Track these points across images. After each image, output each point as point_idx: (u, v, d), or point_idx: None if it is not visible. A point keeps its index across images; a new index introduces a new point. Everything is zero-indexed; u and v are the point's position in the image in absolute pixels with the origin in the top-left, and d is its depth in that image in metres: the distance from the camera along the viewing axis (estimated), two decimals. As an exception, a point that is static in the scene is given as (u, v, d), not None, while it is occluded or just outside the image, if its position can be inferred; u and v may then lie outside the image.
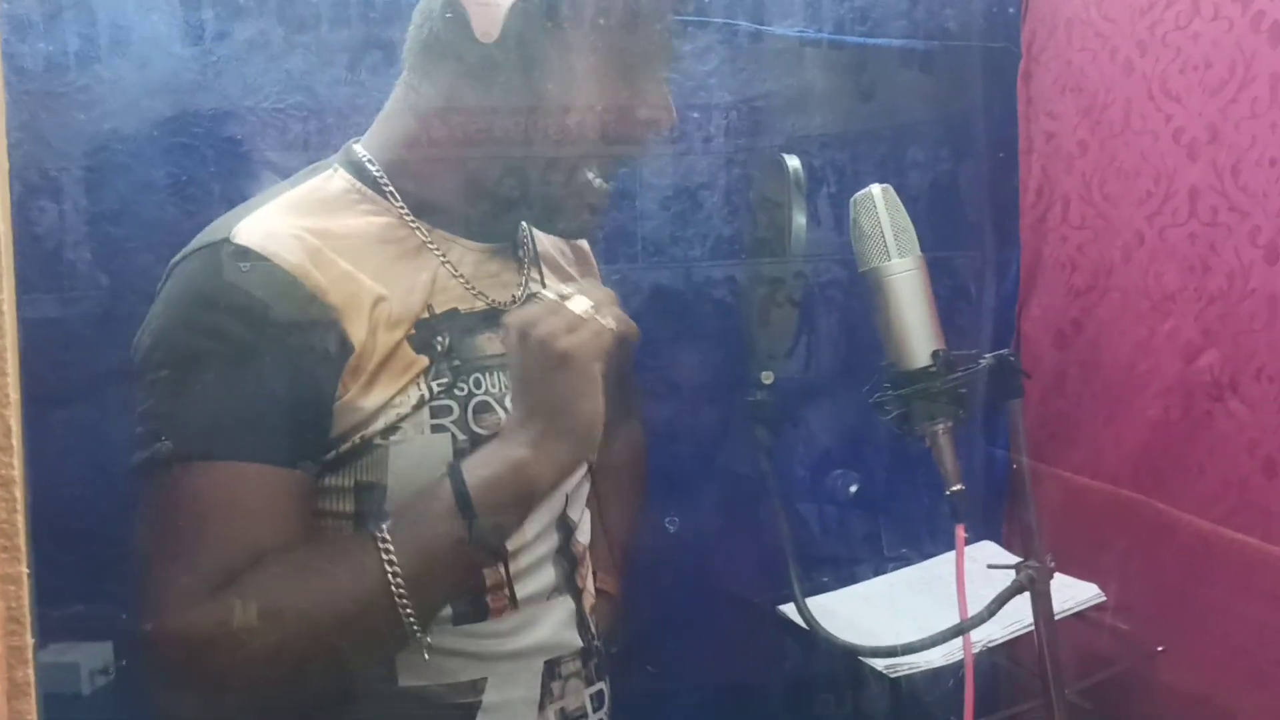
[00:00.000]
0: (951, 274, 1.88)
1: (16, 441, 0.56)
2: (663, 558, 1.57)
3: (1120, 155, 1.55)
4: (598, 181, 1.05)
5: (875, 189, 1.03)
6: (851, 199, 1.05)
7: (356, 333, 0.96)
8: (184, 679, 0.92)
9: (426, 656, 0.98)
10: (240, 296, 0.93)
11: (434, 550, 0.94)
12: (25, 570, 0.56)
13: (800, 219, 1.03)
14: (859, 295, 1.11)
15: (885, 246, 1.02)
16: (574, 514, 1.16)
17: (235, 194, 1.46)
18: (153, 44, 1.45)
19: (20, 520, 0.56)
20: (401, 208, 1.05)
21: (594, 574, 1.23)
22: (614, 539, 1.28)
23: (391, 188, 1.05)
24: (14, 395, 0.57)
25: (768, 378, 1.07)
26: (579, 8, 0.99)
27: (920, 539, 1.71)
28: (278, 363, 0.94)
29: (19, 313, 0.58)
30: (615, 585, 1.31)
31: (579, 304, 0.95)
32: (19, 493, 0.56)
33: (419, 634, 0.95)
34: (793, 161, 1.04)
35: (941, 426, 1.02)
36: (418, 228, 1.05)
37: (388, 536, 0.92)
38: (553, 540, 1.13)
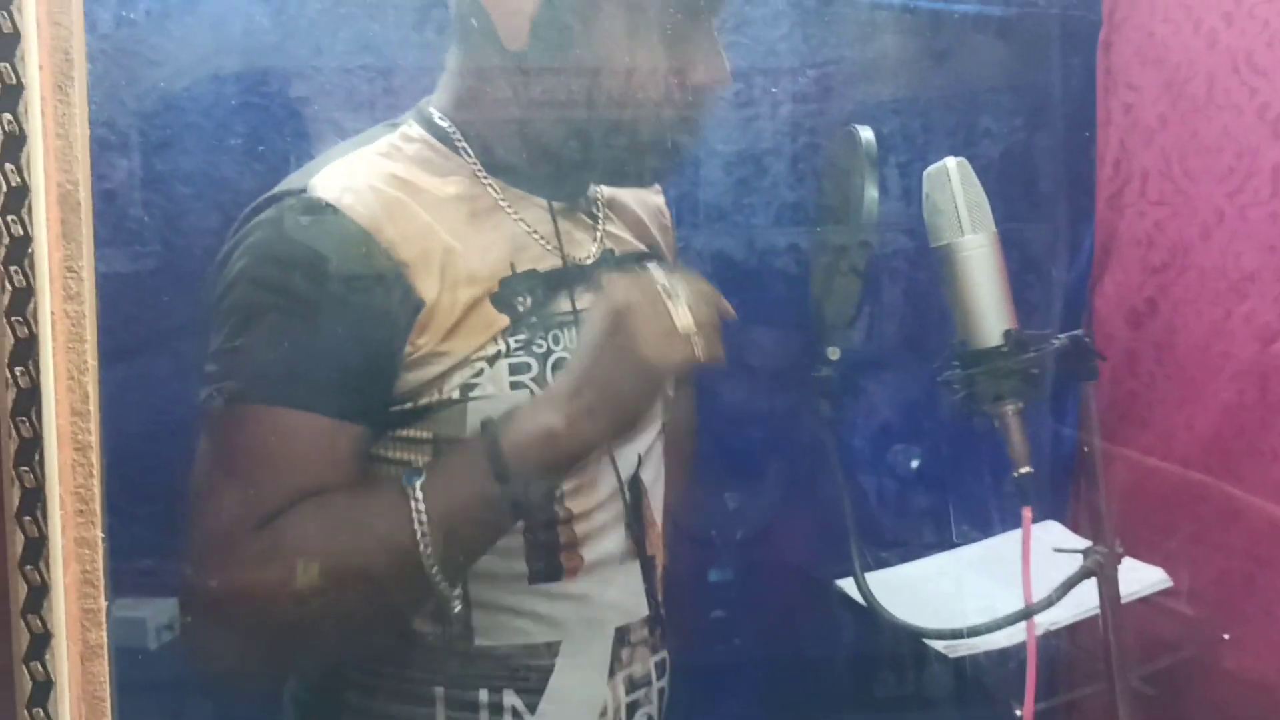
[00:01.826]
0: (1023, 247, 1.84)
1: (94, 408, 0.57)
2: (723, 529, 1.56)
3: (1202, 131, 1.50)
4: (669, 136, 1.04)
5: (950, 162, 1.01)
6: (925, 172, 1.03)
7: (428, 288, 0.97)
8: (216, 611, 0.95)
9: (456, 608, 0.98)
10: (309, 251, 0.95)
11: (463, 507, 0.95)
12: (100, 535, 0.57)
13: (872, 192, 1.01)
14: (926, 266, 1.09)
15: (959, 222, 1.00)
16: (646, 477, 1.15)
17: (304, 154, 1.46)
18: (224, 2, 1.45)
19: (97, 486, 0.56)
20: (475, 164, 1.05)
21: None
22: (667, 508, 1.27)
23: (465, 144, 1.05)
24: (92, 361, 0.57)
25: (834, 353, 1.06)
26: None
27: (985, 516, 1.68)
28: (343, 317, 0.95)
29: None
30: (664, 555, 1.30)
31: (682, 316, 0.94)
32: (96, 459, 0.57)
33: (442, 586, 0.94)
34: (865, 133, 1.02)
35: (1011, 408, 1.00)
36: (490, 184, 1.05)
37: (419, 492, 0.92)
38: (623, 504, 1.12)
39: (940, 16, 1.77)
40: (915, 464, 1.75)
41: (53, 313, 0.54)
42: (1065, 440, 1.74)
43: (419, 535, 0.91)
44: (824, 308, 1.10)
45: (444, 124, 1.05)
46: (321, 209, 0.95)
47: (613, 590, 1.10)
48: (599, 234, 1.14)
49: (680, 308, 0.93)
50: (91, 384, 0.56)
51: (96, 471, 0.56)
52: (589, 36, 0.99)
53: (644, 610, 1.14)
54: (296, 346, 0.94)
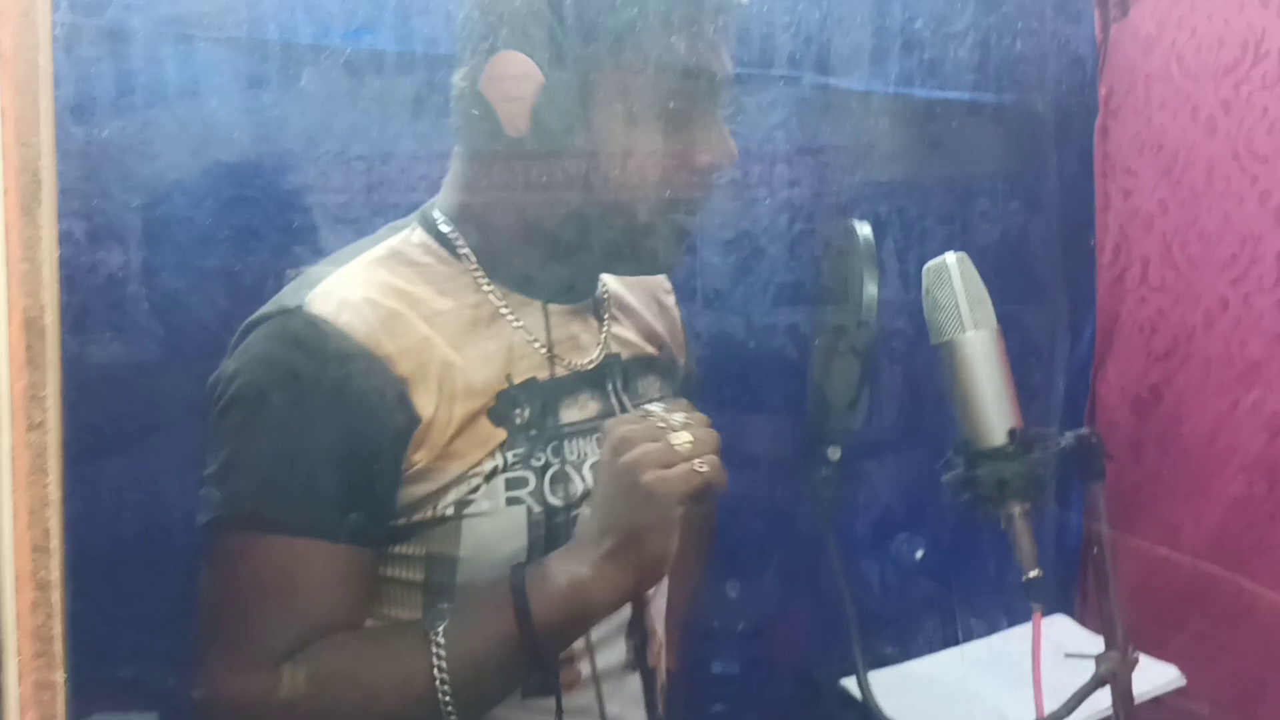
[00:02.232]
0: (1023, 332, 1.82)
1: (57, 543, 0.54)
2: (724, 624, 1.52)
3: (1202, 217, 1.49)
4: (675, 219, 1.02)
5: (950, 258, 0.99)
6: (925, 267, 1.01)
7: (425, 404, 0.94)
8: None
9: None
10: (307, 369, 0.92)
11: (485, 656, 0.92)
12: (62, 677, 0.53)
13: (872, 288, 0.99)
14: (925, 350, 1.06)
15: (960, 319, 0.97)
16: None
17: (295, 246, 1.44)
18: (215, 95, 1.44)
19: (58, 626, 0.53)
20: (476, 270, 1.02)
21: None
22: (676, 614, 1.24)
23: (467, 249, 1.03)
24: (55, 494, 0.54)
25: (834, 453, 1.03)
26: (608, 81, 0.95)
27: (991, 610, 1.64)
28: (343, 436, 0.92)
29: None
30: (675, 662, 1.26)
31: (680, 439, 0.91)
32: (58, 597, 0.53)
33: None
34: (863, 229, 1.00)
35: (1018, 509, 0.97)
36: (492, 291, 1.02)
37: (441, 639, 0.90)
38: (625, 613, 1.08)
39: (934, 104, 1.77)
40: (919, 554, 1.71)
41: (14, 444, 0.51)
42: (1071, 528, 1.70)
43: (438, 683, 0.89)
44: (824, 393, 1.08)
45: (446, 229, 1.03)
46: (318, 326, 0.93)
47: (612, 704, 1.06)
48: (604, 336, 1.11)
49: (680, 435, 0.91)
50: (55, 518, 0.53)
51: (58, 611, 0.53)
52: (591, 121, 0.96)
53: None
54: (297, 468, 0.92)
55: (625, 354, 1.13)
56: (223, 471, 0.93)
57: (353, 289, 0.96)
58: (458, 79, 1.00)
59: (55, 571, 0.53)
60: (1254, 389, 1.41)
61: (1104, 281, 1.70)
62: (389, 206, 1.49)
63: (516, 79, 0.94)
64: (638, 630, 1.10)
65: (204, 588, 0.94)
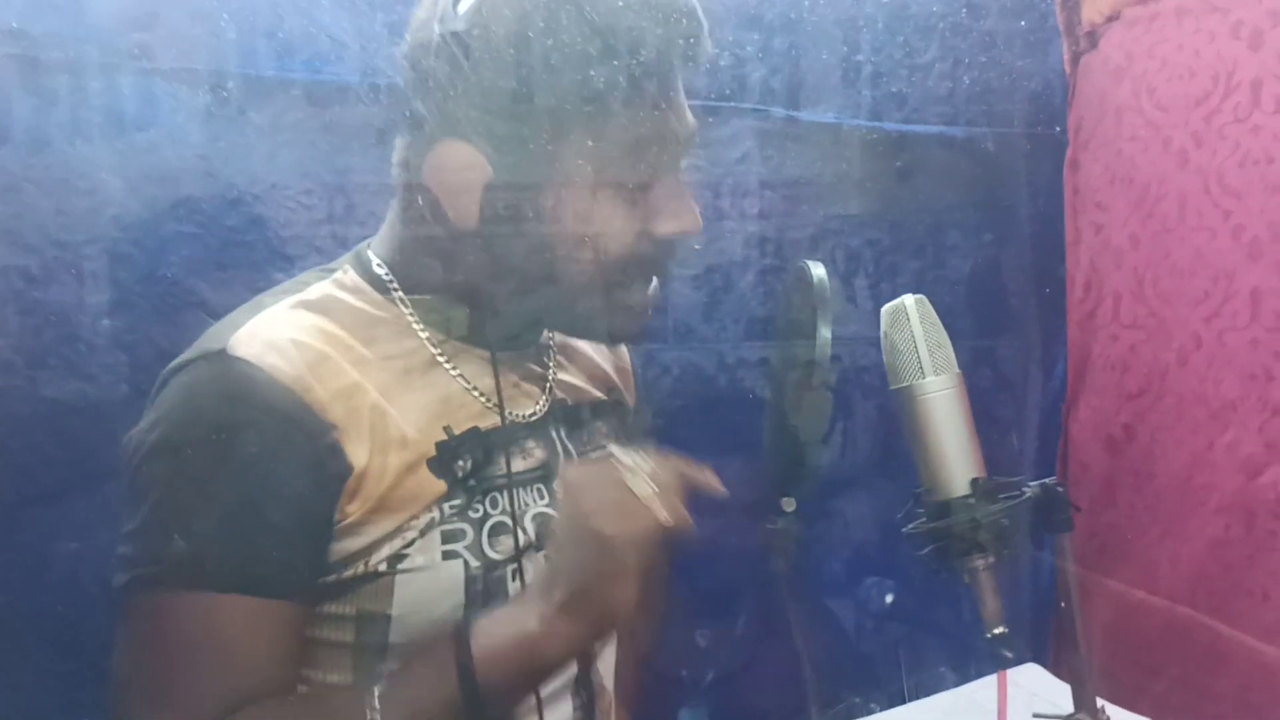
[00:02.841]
0: (994, 366, 1.79)
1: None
2: (682, 678, 1.47)
3: (1175, 252, 1.45)
4: (637, 290, 0.97)
5: (909, 300, 0.95)
6: (882, 310, 0.97)
7: (358, 453, 0.89)
8: None
9: None
10: (230, 416, 0.86)
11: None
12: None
13: (825, 332, 0.94)
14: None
15: (919, 364, 0.93)
16: (596, 647, 1.06)
17: (239, 284, 1.40)
18: (157, 130, 1.39)
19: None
20: (412, 315, 0.97)
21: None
22: (630, 668, 1.19)
23: (401, 293, 0.98)
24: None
25: (789, 504, 0.98)
26: (563, 160, 0.90)
27: (961, 659, 1.59)
28: (272, 487, 0.87)
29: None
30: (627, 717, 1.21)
31: (640, 486, 0.86)
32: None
33: None
34: (818, 270, 0.95)
35: (981, 563, 0.93)
36: (427, 338, 0.97)
37: (377, 705, 0.83)
38: (571, 670, 1.03)
39: (904, 136, 1.74)
40: (887, 601, 1.67)
41: None
42: (1043, 569, 1.65)
43: None
44: (780, 437, 1.03)
45: (380, 271, 0.98)
46: (243, 369, 0.87)
47: None
48: (549, 384, 1.07)
49: (639, 477, 0.86)
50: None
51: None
52: (544, 203, 0.91)
53: None
54: (221, 523, 0.86)
55: (571, 400, 1.09)
56: (143, 527, 0.86)
57: (279, 330, 0.90)
58: (400, 148, 0.96)
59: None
60: (1229, 429, 1.37)
61: (1075, 317, 1.66)
62: (342, 240, 1.46)
63: (461, 170, 0.89)
64: (584, 687, 1.05)
65: (121, 653, 0.87)
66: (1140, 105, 1.51)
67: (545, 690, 0.98)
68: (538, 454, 1.01)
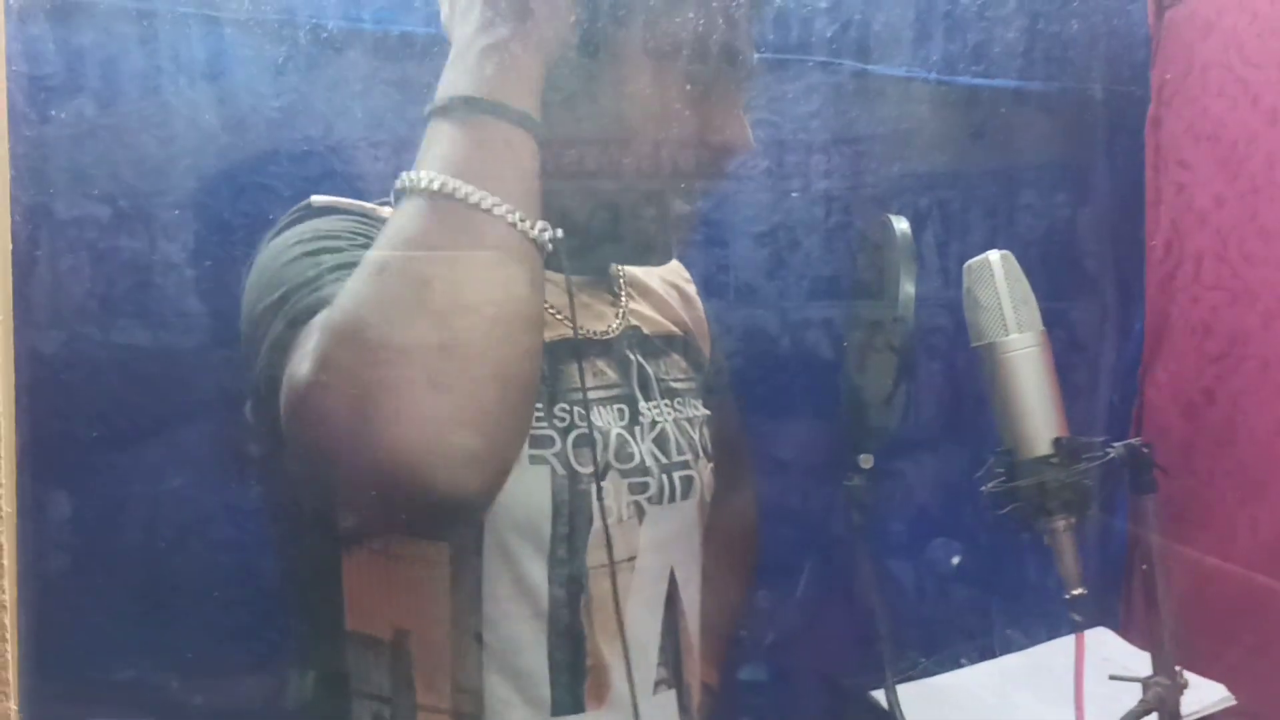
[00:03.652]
0: (1069, 328, 1.76)
1: (9, 561, 0.48)
2: (754, 637, 1.47)
3: (1262, 213, 1.41)
4: (678, 205, 0.96)
5: (994, 256, 0.93)
6: (965, 265, 0.95)
7: None
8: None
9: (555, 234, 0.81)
10: (342, 225, 0.89)
11: (476, 155, 0.77)
12: (14, 709, 0.48)
13: (909, 288, 0.93)
14: (965, 345, 1.00)
15: (1004, 321, 0.91)
16: (685, 599, 1.05)
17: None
18: (228, 80, 1.40)
19: (11, 652, 0.48)
20: None
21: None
22: (716, 626, 1.18)
23: None
24: (8, 508, 0.49)
25: (867, 461, 0.97)
26: (623, 62, 0.89)
27: (1032, 621, 1.58)
28: None
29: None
30: (716, 676, 1.21)
31: None
32: (10, 620, 0.48)
33: (524, 224, 0.77)
34: (901, 224, 0.94)
35: (1063, 523, 0.91)
36: None
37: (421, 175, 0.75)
38: (658, 622, 1.02)
39: (979, 91, 1.70)
40: (956, 562, 1.65)
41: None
42: (1115, 536, 1.63)
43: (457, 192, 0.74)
44: (858, 395, 1.02)
45: None
46: (333, 208, 0.91)
47: None
48: (621, 310, 1.06)
49: None
50: (8, 534, 0.48)
51: (10, 635, 0.48)
52: (599, 104, 0.90)
53: None
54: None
55: (646, 329, 1.07)
56: (320, 276, 0.82)
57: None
58: None
59: (8, 594, 0.48)
60: (1314, 394, 1.34)
61: (1154, 279, 1.63)
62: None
63: None
64: (671, 645, 1.04)
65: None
66: (1229, 61, 1.46)
67: (633, 648, 0.98)
68: (610, 374, 1.00)
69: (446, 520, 0.88)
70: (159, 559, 1.36)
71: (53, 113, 1.35)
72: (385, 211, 0.91)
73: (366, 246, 0.82)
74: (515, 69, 0.80)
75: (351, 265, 0.78)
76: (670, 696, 1.02)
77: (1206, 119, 1.50)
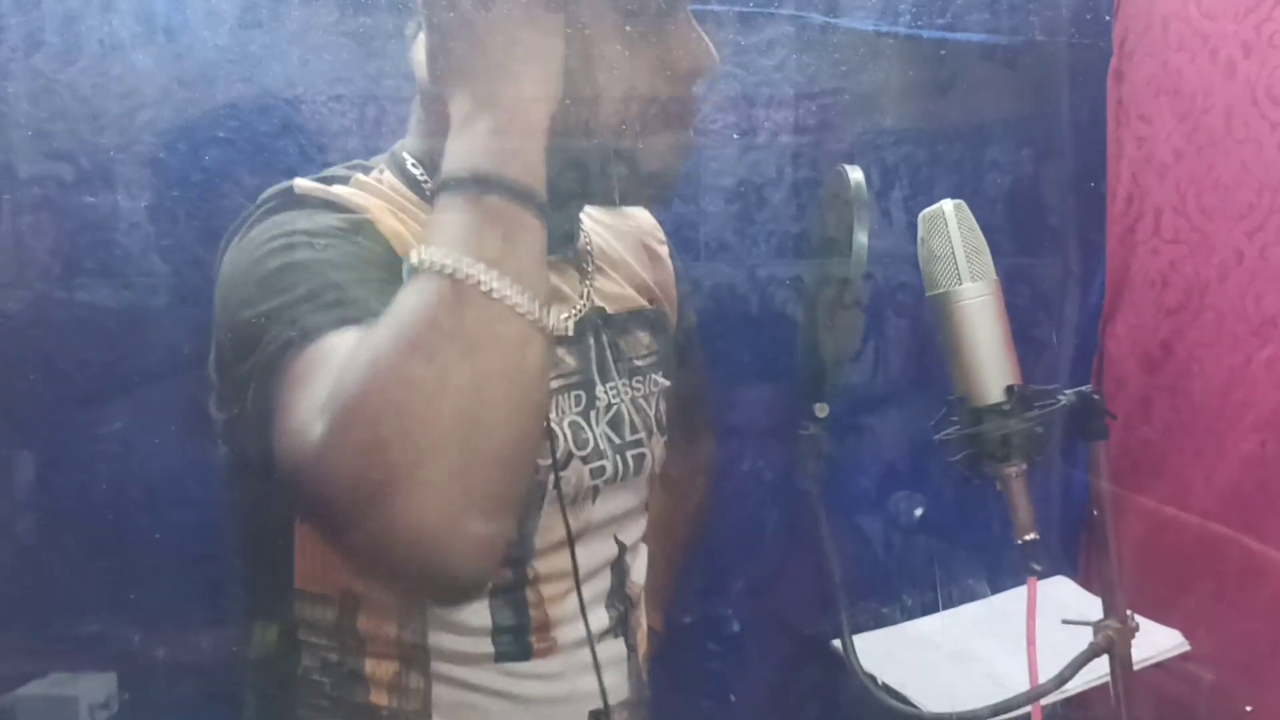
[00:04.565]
0: (1031, 283, 1.77)
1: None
2: (715, 587, 1.48)
3: (1219, 165, 1.42)
4: (664, 142, 0.95)
5: (947, 205, 0.93)
6: (920, 215, 0.95)
7: None
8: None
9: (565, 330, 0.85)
10: (324, 221, 0.88)
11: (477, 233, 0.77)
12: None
13: (861, 237, 0.93)
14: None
15: (957, 270, 0.92)
16: (629, 560, 1.07)
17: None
18: (189, 34, 1.39)
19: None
20: None
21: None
22: (664, 570, 1.19)
23: (434, 193, 0.96)
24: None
25: (822, 410, 0.98)
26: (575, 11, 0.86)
27: (993, 570, 1.60)
28: (365, 262, 0.87)
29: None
30: (660, 619, 1.22)
31: None
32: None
33: (541, 315, 0.77)
34: (854, 174, 0.94)
35: (1014, 469, 0.92)
36: None
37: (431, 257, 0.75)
38: (605, 580, 1.04)
39: (944, 45, 1.70)
40: (919, 512, 1.67)
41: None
42: (1075, 486, 1.65)
43: (463, 274, 0.74)
44: (814, 347, 1.02)
45: (415, 171, 0.97)
46: (320, 202, 0.90)
47: (589, 673, 1.01)
48: (587, 291, 1.05)
49: None
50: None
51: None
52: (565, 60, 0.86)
53: (624, 693, 1.06)
54: (340, 277, 0.84)
55: (610, 308, 1.07)
56: (290, 302, 0.82)
57: (343, 190, 0.93)
58: (412, 29, 0.94)
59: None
60: (1269, 344, 1.35)
61: (1115, 232, 1.64)
62: (374, 149, 1.45)
63: None
64: (619, 599, 1.06)
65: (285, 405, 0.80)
66: (1188, 13, 1.47)
67: (576, 599, 0.99)
68: (569, 361, 1.01)
69: (450, 598, 0.91)
70: (121, 516, 1.36)
71: (9, 70, 1.34)
72: (369, 204, 0.91)
73: (348, 248, 0.85)
74: (525, 148, 0.80)
75: (337, 286, 0.81)
76: (616, 645, 1.05)
77: (1166, 72, 1.51)
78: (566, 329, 0.83)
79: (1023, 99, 1.76)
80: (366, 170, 0.99)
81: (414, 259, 0.75)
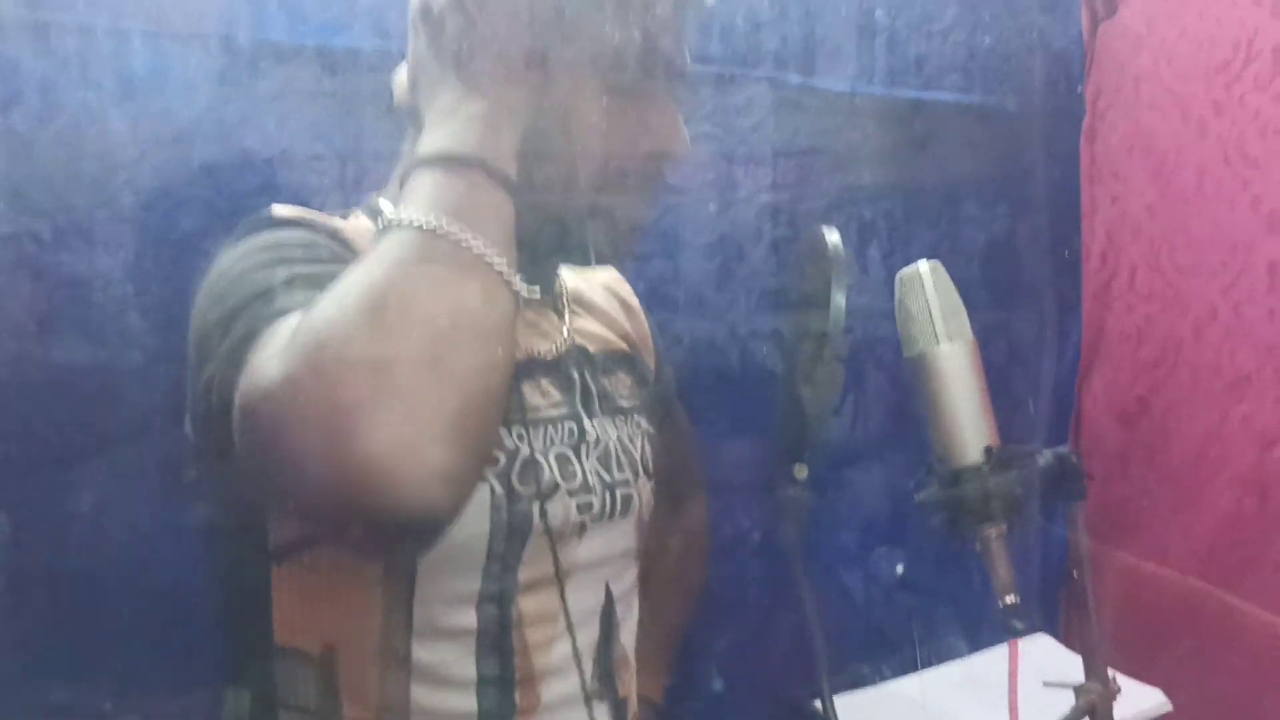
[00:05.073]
0: (1007, 338, 1.78)
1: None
2: (693, 643, 1.47)
3: (1192, 223, 1.44)
4: (628, 207, 0.96)
5: (923, 266, 0.94)
6: (897, 276, 0.96)
7: None
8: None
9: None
10: (298, 234, 0.89)
11: (457, 205, 0.77)
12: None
13: (840, 300, 0.93)
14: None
15: (934, 330, 0.92)
16: (619, 613, 1.06)
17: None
18: (168, 94, 1.39)
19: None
20: None
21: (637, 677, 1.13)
22: (663, 635, 1.18)
23: None
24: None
25: (801, 471, 0.97)
26: (561, 76, 0.88)
27: (973, 628, 1.59)
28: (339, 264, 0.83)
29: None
30: (659, 690, 1.21)
31: None
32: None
33: (508, 272, 0.78)
34: (832, 236, 0.94)
35: (994, 531, 0.92)
36: None
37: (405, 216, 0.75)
38: (593, 630, 1.02)
39: (919, 104, 1.72)
40: (898, 571, 1.66)
41: None
42: (1054, 541, 1.65)
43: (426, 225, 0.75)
44: (793, 406, 1.02)
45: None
46: (292, 219, 0.90)
47: None
48: (566, 329, 1.05)
49: None
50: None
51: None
52: (540, 123, 0.87)
53: None
54: (320, 270, 0.82)
55: (591, 347, 1.07)
56: (273, 285, 0.81)
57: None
58: (401, 91, 0.94)
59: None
60: (1244, 401, 1.36)
61: (1090, 289, 1.65)
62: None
63: None
64: (605, 658, 1.04)
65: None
66: (1159, 73, 1.49)
67: (562, 655, 0.98)
68: (555, 393, 1.00)
69: (408, 537, 0.87)
70: (94, 578, 1.34)
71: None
72: (344, 225, 0.92)
73: (325, 261, 0.84)
74: (498, 135, 0.81)
75: (309, 278, 0.79)
76: (603, 709, 1.02)
77: (1139, 131, 1.53)
78: (533, 294, 0.83)
79: (999, 157, 1.77)
80: (344, 217, 0.99)
81: (387, 219, 0.76)
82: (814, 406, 1.00)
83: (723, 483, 1.62)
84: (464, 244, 0.75)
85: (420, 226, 0.75)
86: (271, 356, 0.72)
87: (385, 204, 0.98)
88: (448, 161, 0.79)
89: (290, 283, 0.82)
